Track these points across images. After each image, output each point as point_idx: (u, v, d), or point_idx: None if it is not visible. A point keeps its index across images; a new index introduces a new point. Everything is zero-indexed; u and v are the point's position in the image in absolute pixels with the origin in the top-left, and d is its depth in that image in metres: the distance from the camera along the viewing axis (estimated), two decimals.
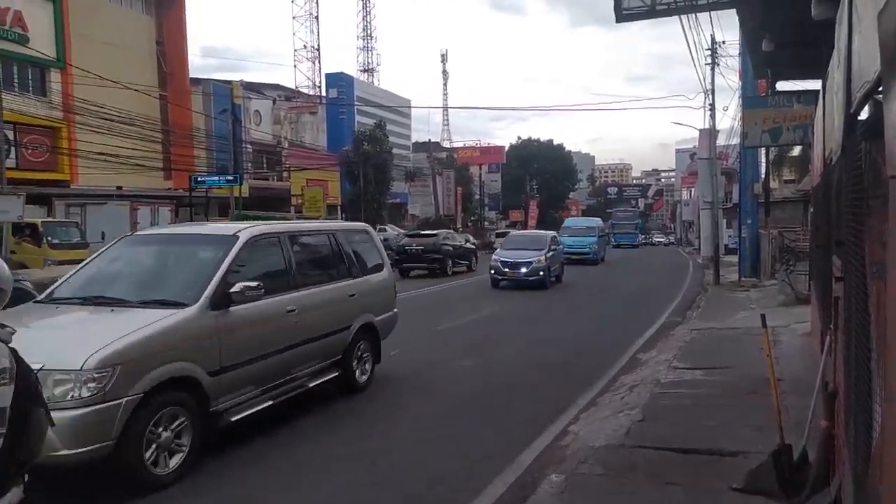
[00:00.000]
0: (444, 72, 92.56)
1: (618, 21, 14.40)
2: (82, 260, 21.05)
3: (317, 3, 60.04)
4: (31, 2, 28.12)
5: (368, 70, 70.39)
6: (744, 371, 7.28)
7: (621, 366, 8.54)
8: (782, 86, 14.80)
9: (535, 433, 5.70)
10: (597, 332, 11.52)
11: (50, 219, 21.15)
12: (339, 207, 43.04)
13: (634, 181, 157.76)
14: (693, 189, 55.53)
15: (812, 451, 3.93)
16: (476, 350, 9.65)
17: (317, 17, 60.09)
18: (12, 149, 24.45)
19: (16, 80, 27.51)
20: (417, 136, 71.80)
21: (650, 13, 14.42)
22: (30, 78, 28.58)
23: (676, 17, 15.09)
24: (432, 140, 69.73)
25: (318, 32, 60.20)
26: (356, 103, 52.81)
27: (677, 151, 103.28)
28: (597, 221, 35.09)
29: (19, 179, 22.95)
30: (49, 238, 18.56)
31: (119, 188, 27.78)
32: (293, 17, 59.83)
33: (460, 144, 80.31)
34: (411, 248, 23.47)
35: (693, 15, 15.77)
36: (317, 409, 6.40)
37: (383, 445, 5.50)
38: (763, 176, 22.44)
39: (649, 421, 5.70)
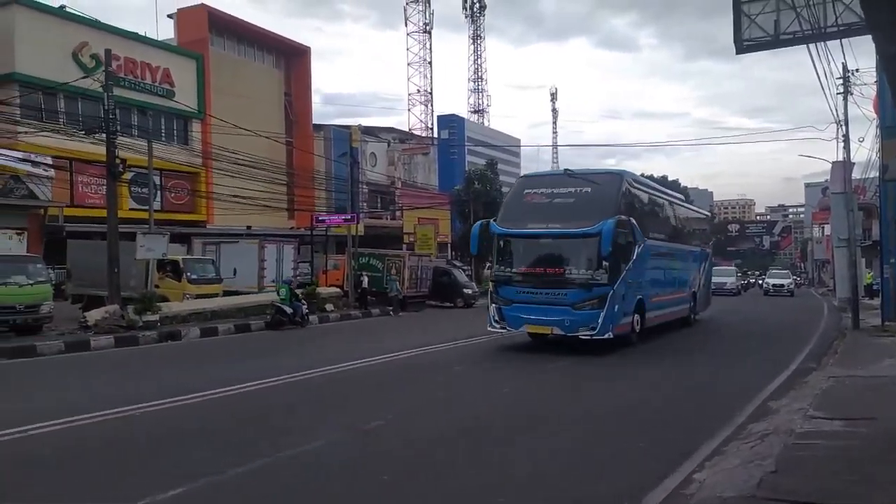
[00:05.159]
0: (554, 110, 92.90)
1: (738, 52, 13.92)
2: (216, 294, 22.51)
3: (430, 49, 62.44)
4: (177, 60, 31.26)
5: (479, 111, 71.81)
6: (890, 423, 6.63)
7: (749, 413, 8.03)
8: None
9: (657, 479, 5.45)
10: (723, 375, 10.93)
11: (189, 256, 22.92)
12: (448, 245, 43.76)
13: (758, 217, 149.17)
14: (826, 226, 51.52)
15: None
16: (575, 392, 9.41)
17: (430, 63, 62.42)
18: (158, 192, 26.97)
19: (163, 131, 30.48)
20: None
21: (774, 43, 13.82)
22: (174, 128, 31.58)
23: (801, 45, 14.37)
24: None
25: (431, 77, 62.37)
26: (467, 144, 53.93)
27: (807, 186, 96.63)
28: None
29: (163, 220, 25.24)
30: (188, 274, 20.00)
31: (248, 227, 29.83)
32: (408, 64, 62.43)
33: None
34: None
35: (822, 42, 14.97)
36: None
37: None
38: None
39: (783, 472, 5.30)
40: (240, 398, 8.74)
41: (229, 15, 35.73)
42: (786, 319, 22.51)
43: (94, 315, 15.79)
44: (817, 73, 14.70)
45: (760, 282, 52.17)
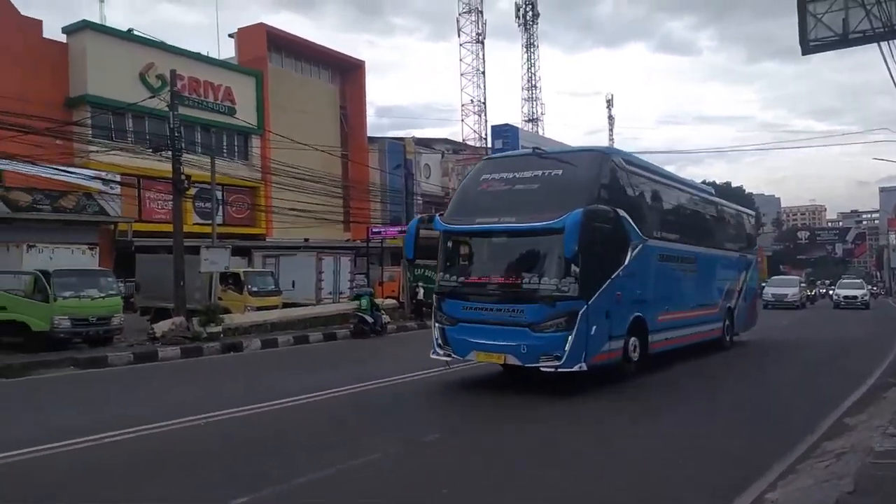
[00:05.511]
0: (610, 117, 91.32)
1: (804, 53, 13.45)
2: (276, 306, 22.98)
3: (483, 59, 62.52)
4: (237, 78, 32.31)
5: (533, 120, 71.36)
6: None
7: (824, 430, 7.64)
8: None
9: (726, 500, 5.24)
10: (793, 391, 10.47)
11: (250, 269, 23.51)
12: None
13: (829, 224, 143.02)
14: None
15: None
16: (649, 409, 9.17)
17: (483, 73, 62.48)
18: (220, 207, 27.84)
19: (224, 147, 31.50)
20: None
21: (842, 42, 13.29)
22: (235, 144, 32.61)
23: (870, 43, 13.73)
24: None
25: (485, 86, 62.37)
26: None
27: (881, 190, 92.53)
28: None
29: (225, 234, 26.01)
30: (249, 286, 20.49)
31: (306, 240, 30.44)
32: (461, 75, 62.70)
33: None
34: None
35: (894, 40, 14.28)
36: None
37: None
38: None
39: (861, 493, 5.00)
40: (308, 408, 8.84)
41: (286, 32, 36.73)
42: (857, 336, 20.03)
43: (161, 327, 16.35)
44: (890, 73, 13.98)
45: (830, 292, 45.69)
